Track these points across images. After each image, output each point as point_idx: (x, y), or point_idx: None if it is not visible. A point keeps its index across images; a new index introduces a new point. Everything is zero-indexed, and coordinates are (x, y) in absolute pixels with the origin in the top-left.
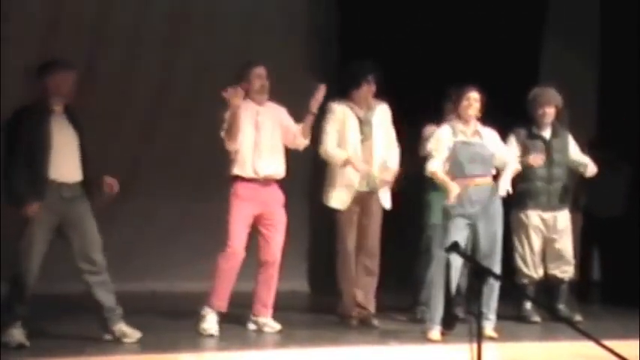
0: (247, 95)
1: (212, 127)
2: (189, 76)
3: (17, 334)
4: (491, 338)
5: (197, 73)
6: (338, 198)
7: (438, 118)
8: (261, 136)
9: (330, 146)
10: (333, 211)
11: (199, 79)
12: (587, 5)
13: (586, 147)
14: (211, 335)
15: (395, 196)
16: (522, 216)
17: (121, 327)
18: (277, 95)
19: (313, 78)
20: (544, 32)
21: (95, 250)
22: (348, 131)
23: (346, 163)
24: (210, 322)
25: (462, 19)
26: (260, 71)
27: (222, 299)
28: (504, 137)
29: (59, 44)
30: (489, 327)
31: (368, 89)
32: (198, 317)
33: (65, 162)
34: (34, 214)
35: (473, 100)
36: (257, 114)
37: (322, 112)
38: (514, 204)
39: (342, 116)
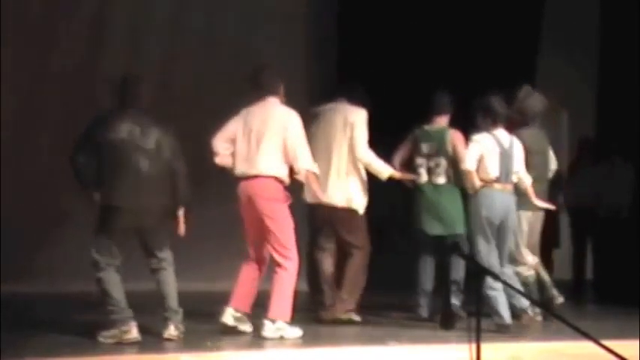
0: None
1: (216, 130)
2: (189, 76)
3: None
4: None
5: (197, 73)
6: (363, 203)
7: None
8: None
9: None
10: (353, 214)
11: (199, 78)
12: (586, 6)
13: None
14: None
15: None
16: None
17: None
18: None
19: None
20: (542, 34)
21: None
22: None
23: (391, 176)
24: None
25: (460, 24)
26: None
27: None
28: None
29: (59, 43)
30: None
31: None
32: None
33: None
34: None
35: None
36: None
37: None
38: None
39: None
